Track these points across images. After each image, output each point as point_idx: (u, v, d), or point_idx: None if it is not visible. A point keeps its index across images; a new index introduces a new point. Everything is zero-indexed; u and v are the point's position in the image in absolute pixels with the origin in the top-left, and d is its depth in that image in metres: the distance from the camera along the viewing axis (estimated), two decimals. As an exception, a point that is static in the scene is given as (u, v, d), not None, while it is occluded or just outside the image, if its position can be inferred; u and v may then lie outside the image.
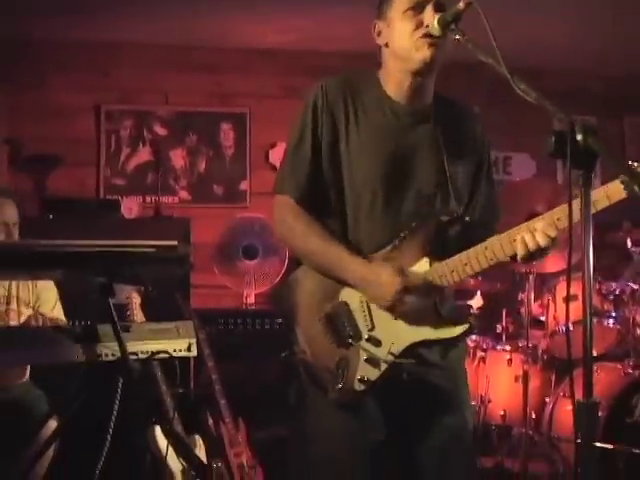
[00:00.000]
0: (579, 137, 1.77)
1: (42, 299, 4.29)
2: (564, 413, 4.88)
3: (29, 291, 4.28)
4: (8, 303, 4.18)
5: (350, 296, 2.50)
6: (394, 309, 2.43)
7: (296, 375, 2.61)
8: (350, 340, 2.46)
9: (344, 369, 2.45)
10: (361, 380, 2.43)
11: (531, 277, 5.18)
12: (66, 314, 4.34)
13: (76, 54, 6.12)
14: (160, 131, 6.21)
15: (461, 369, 2.71)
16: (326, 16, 5.62)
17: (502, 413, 5.17)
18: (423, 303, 2.43)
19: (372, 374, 2.43)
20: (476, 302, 5.50)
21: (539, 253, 2.33)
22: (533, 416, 5.04)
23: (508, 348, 5.29)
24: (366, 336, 2.46)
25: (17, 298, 4.22)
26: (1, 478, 3.47)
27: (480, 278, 5.24)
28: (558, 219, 2.27)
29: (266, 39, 6.10)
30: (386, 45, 2.56)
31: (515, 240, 2.33)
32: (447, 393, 2.57)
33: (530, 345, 5.09)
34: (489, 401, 5.20)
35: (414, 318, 2.43)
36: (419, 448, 2.54)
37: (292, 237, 2.62)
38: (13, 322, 4.11)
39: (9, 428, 3.88)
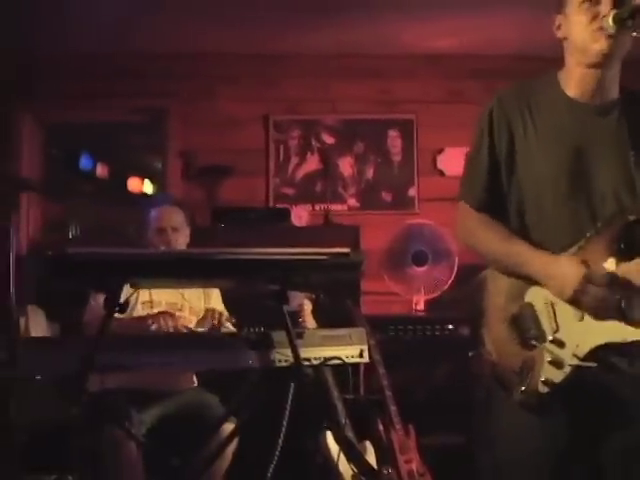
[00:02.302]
0: None
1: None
2: None
3: (202, 302, 4.41)
4: (180, 310, 4.31)
5: (535, 297, 2.48)
6: (578, 302, 2.39)
7: (483, 376, 2.61)
8: (534, 341, 2.45)
9: (528, 371, 2.43)
10: (545, 382, 2.39)
11: None
12: (238, 320, 4.45)
13: (245, 66, 6.25)
14: (328, 139, 6.26)
15: None
16: (490, 19, 5.55)
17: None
18: (608, 300, 2.37)
19: (556, 376, 2.39)
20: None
21: None
22: None
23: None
24: (550, 337, 2.43)
25: (189, 308, 4.36)
26: (177, 479, 3.57)
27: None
28: None
29: (431, 44, 6.06)
30: (565, 39, 2.54)
31: None
32: (632, 404, 2.48)
33: None
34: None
35: (599, 317, 2.38)
36: (599, 457, 2.48)
37: (475, 241, 2.67)
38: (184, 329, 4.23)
39: (184, 431, 3.99)
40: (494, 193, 2.60)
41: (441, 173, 6.19)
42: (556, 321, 2.44)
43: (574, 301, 2.40)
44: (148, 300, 4.24)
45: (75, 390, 2.94)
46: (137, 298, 4.23)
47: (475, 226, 2.65)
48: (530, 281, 2.50)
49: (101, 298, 3.02)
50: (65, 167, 5.84)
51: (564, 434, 2.46)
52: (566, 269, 2.40)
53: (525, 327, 2.48)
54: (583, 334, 2.39)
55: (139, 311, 4.19)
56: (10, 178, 4.35)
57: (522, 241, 2.53)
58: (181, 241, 4.39)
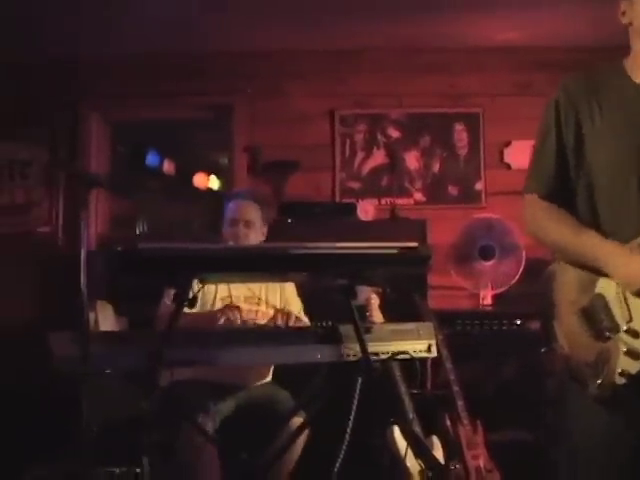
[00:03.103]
0: None
1: (290, 302, 4.44)
2: None
3: (278, 296, 4.43)
4: (257, 304, 4.34)
5: (606, 288, 2.43)
6: None
7: (556, 371, 2.58)
8: (608, 333, 2.39)
9: (604, 363, 2.38)
10: (622, 374, 2.34)
11: None
12: (308, 315, 4.46)
13: (311, 62, 6.27)
14: (394, 134, 6.24)
15: None
16: (558, 10, 5.48)
17: None
18: None
19: (632, 367, 2.33)
20: None
21: None
22: None
23: None
24: (624, 327, 2.37)
25: (266, 301, 4.38)
26: (246, 473, 3.59)
27: None
28: None
29: (497, 37, 6.00)
30: (630, 24, 2.50)
31: None
32: None
33: None
34: None
35: None
36: None
37: (544, 233, 2.63)
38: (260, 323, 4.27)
39: (255, 425, 4.01)
40: (562, 182, 2.57)
41: (508, 167, 6.13)
42: (629, 311, 2.38)
43: None
44: (227, 295, 4.28)
45: (146, 384, 2.98)
46: (216, 294, 4.26)
47: (543, 216, 2.61)
48: (598, 273, 2.45)
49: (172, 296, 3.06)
50: (132, 164, 5.92)
51: None
52: (635, 263, 2.36)
53: (597, 318, 2.43)
54: None
55: (218, 306, 4.22)
56: (79, 175, 4.40)
57: (591, 231, 2.48)
58: (252, 237, 4.38)
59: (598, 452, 2.46)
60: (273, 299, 4.39)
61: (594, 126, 2.51)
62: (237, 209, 4.44)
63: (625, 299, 2.39)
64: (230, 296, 4.28)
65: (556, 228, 2.57)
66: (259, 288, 4.36)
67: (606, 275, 2.43)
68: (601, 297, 2.44)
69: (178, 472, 3.82)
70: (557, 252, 2.61)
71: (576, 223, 2.53)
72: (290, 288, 4.47)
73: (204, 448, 3.77)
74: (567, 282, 2.54)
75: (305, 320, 4.38)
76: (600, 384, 2.38)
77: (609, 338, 2.39)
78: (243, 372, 4.17)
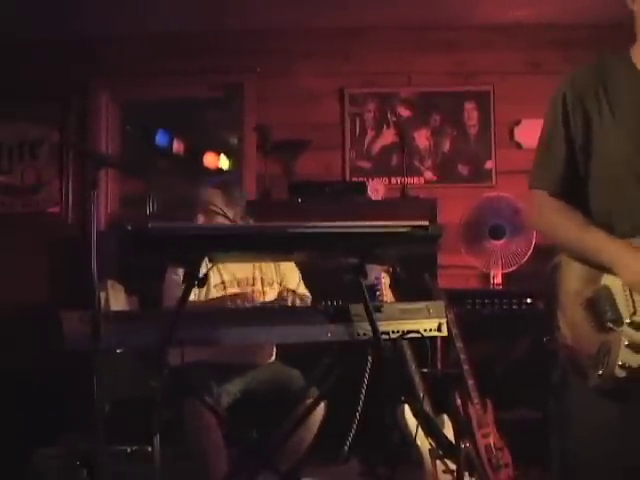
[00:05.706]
0: None
1: (287, 279, 4.42)
2: None
3: (273, 272, 4.42)
4: (253, 284, 4.34)
5: (612, 280, 2.40)
6: None
7: (558, 360, 2.57)
8: (611, 325, 2.36)
9: (605, 355, 2.35)
10: (622, 366, 2.31)
11: None
12: (316, 294, 4.46)
13: (320, 40, 6.24)
14: (404, 112, 6.22)
15: None
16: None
17: None
18: None
19: (634, 360, 2.31)
20: None
21: None
22: None
23: None
24: (628, 320, 2.34)
25: (261, 280, 4.38)
26: (256, 452, 3.61)
27: None
28: None
29: (507, 14, 5.97)
30: (637, 11, 2.44)
31: None
32: None
33: None
34: None
35: None
36: None
37: (551, 230, 2.60)
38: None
39: (267, 405, 4.02)
40: (571, 178, 2.53)
41: (518, 145, 6.11)
42: (634, 304, 2.36)
43: None
44: (220, 282, 4.28)
45: (156, 364, 2.99)
46: (210, 281, 4.25)
47: (551, 213, 2.57)
48: (604, 270, 2.42)
49: (179, 273, 3.07)
50: (141, 143, 5.92)
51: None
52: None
53: (601, 310, 2.40)
54: None
55: (213, 294, 4.22)
56: (89, 154, 4.40)
57: (598, 229, 2.44)
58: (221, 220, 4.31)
59: (596, 443, 2.44)
60: (269, 277, 4.39)
61: (602, 119, 2.46)
62: (200, 197, 4.40)
63: (631, 292, 2.37)
64: (223, 282, 4.28)
65: (563, 225, 2.53)
66: (252, 267, 4.35)
67: (613, 273, 2.41)
68: (607, 288, 2.41)
69: (185, 451, 3.84)
70: (564, 249, 2.57)
71: (584, 221, 2.49)
72: (290, 265, 4.44)
73: (210, 428, 3.79)
74: (573, 274, 2.51)
75: (305, 292, 4.38)
76: (600, 375, 2.36)
77: (612, 330, 2.37)
78: (249, 352, 4.17)
